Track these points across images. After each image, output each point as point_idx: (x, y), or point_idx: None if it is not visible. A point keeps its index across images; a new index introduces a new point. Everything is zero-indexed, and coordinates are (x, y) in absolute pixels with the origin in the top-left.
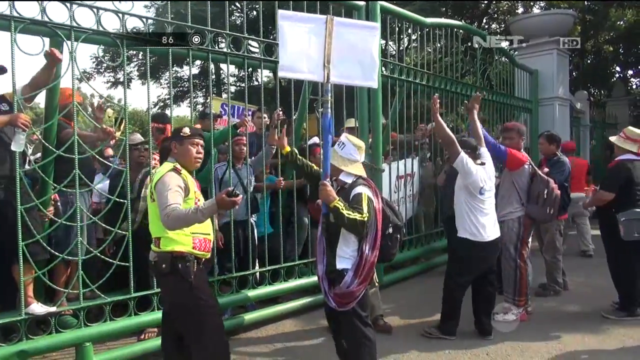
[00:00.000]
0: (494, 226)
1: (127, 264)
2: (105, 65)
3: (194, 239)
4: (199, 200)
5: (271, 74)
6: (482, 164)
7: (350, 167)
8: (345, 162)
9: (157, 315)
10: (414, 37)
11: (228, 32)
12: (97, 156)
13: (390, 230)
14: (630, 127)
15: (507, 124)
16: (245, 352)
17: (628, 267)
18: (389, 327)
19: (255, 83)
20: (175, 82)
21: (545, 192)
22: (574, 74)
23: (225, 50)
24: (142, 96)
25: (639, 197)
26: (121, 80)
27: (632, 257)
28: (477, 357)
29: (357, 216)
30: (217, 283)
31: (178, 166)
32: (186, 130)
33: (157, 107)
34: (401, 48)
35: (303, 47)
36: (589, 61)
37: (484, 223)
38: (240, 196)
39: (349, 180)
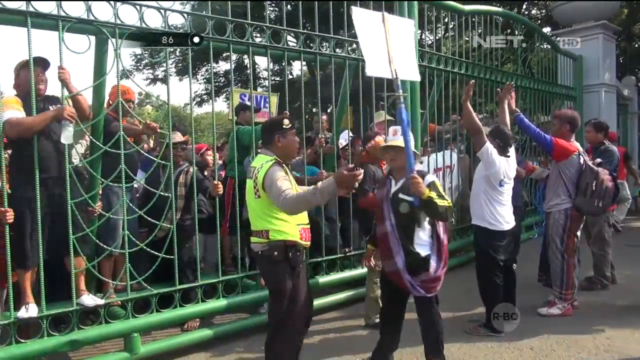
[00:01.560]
0: (511, 216)
1: (172, 256)
2: (144, 62)
3: (300, 230)
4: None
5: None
6: (507, 156)
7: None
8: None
9: (201, 307)
10: (450, 25)
11: (268, 24)
12: (141, 151)
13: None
14: None
15: (557, 112)
16: None
17: None
18: None
19: (290, 77)
20: (210, 78)
21: (594, 183)
22: (621, 59)
23: (265, 43)
24: (178, 92)
25: None
26: (159, 77)
27: None
28: (521, 352)
29: (446, 203)
30: (259, 276)
31: (278, 159)
32: (287, 122)
33: (195, 102)
34: (438, 37)
35: (376, 45)
36: (637, 45)
37: (502, 213)
38: (362, 170)
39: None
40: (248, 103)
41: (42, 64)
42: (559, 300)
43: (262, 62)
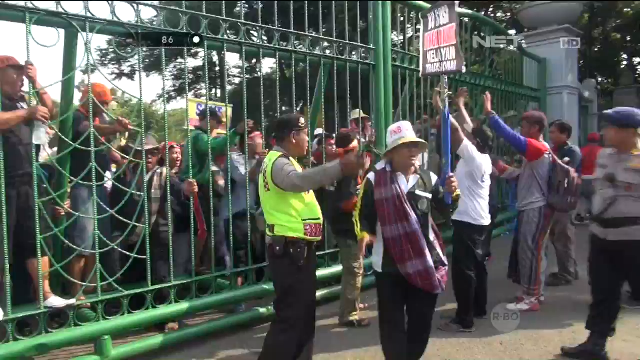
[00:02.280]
0: (488, 212)
1: (144, 257)
2: (109, 57)
3: (305, 225)
4: (308, 191)
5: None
6: (485, 154)
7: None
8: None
9: (175, 308)
10: (418, 26)
11: (243, 21)
12: (112, 149)
13: None
14: None
15: (525, 113)
16: (260, 341)
17: None
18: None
19: (257, 75)
20: (179, 75)
21: (566, 181)
22: (581, 62)
23: (240, 40)
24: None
25: None
26: (125, 72)
27: None
28: (491, 346)
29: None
30: (233, 276)
31: (285, 153)
32: (302, 120)
33: (161, 99)
34: (409, 36)
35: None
36: (596, 49)
37: (484, 208)
38: (368, 159)
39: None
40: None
41: (20, 68)
42: (526, 296)
43: (230, 59)
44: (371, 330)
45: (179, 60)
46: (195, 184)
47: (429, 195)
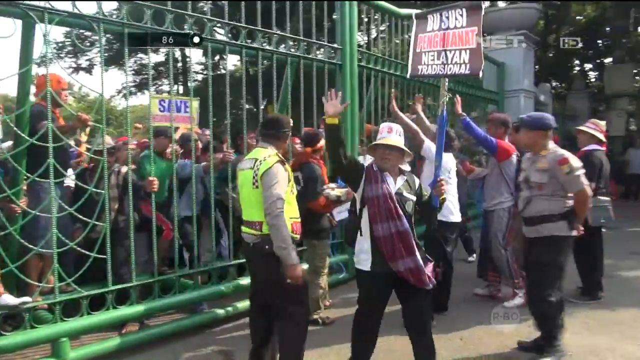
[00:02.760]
0: (458, 210)
1: (104, 256)
2: (66, 50)
3: (291, 224)
4: (292, 192)
5: (238, 63)
6: (448, 152)
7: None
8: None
9: (136, 308)
10: (382, 27)
11: (209, 17)
12: (73, 145)
13: None
14: (596, 119)
15: (490, 115)
16: (223, 341)
17: (590, 254)
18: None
19: (223, 71)
20: (139, 70)
21: None
22: (537, 67)
23: (206, 36)
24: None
25: (602, 186)
26: (83, 66)
27: (594, 245)
28: (452, 342)
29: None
30: (197, 276)
31: (282, 158)
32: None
33: (121, 94)
34: (373, 37)
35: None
36: (551, 55)
37: (455, 204)
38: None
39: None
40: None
41: None
42: (518, 290)
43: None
44: (335, 328)
45: (140, 55)
46: (156, 182)
47: (414, 198)
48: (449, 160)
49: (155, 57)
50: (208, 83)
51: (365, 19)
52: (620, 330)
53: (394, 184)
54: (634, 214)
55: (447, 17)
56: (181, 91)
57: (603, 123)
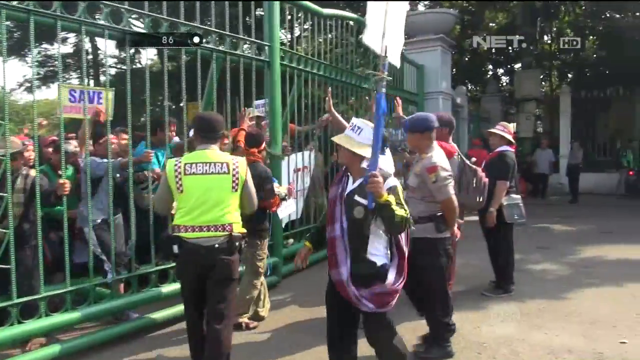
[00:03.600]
0: None
1: (7, 266)
2: None
3: None
4: None
5: (156, 57)
6: (382, 153)
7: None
8: (366, 149)
9: (46, 322)
10: (305, 26)
11: (106, 2)
12: None
13: None
14: (504, 122)
15: (437, 113)
16: (156, 346)
17: (503, 249)
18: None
19: (139, 66)
20: (44, 61)
21: (474, 180)
22: (453, 70)
23: (103, 22)
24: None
25: (513, 185)
26: None
27: (506, 240)
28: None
29: (404, 212)
30: (135, 279)
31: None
32: None
33: (23, 88)
34: (296, 35)
35: (377, 16)
36: (466, 59)
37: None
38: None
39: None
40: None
41: None
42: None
43: (104, 46)
44: (299, 327)
45: (44, 45)
46: (67, 184)
47: (366, 202)
48: (384, 162)
49: (61, 49)
50: (122, 77)
51: (289, 17)
52: (529, 320)
53: (351, 185)
54: (540, 211)
55: None
56: (92, 84)
57: (512, 125)
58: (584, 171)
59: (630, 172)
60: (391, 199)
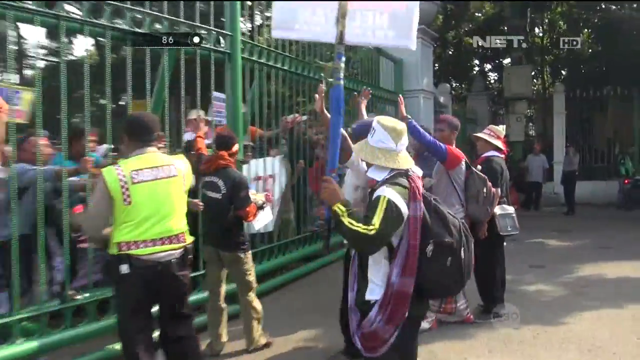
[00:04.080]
0: None
1: None
2: None
3: None
4: None
5: (93, 47)
6: None
7: (383, 159)
8: (376, 153)
9: None
10: (267, 14)
11: None
12: None
13: (430, 248)
14: (493, 126)
15: (440, 116)
16: None
17: (491, 265)
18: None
19: (72, 57)
20: None
21: (484, 190)
22: (436, 65)
23: (33, 7)
24: None
25: (505, 194)
26: None
27: (496, 255)
28: None
29: (359, 227)
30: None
31: None
32: None
33: None
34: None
35: None
36: (450, 52)
37: None
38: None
39: (380, 176)
40: None
41: None
42: (431, 314)
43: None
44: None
45: None
46: None
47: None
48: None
49: None
50: (53, 71)
51: (249, 3)
52: (522, 349)
53: None
54: (533, 224)
55: None
56: (13, 79)
57: (500, 128)
58: (580, 179)
59: (626, 181)
60: (340, 208)
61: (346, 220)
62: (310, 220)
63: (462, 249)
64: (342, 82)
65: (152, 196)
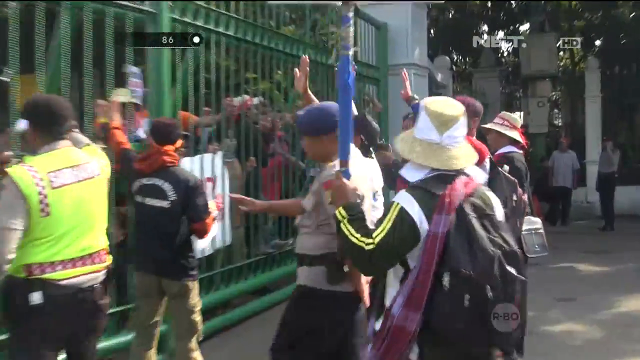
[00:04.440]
0: None
1: None
2: None
3: None
4: None
5: None
6: (371, 157)
7: (420, 154)
8: (414, 146)
9: None
10: None
11: None
12: None
13: (447, 279)
14: (507, 113)
15: (457, 97)
16: None
17: None
18: None
19: None
20: None
21: (514, 197)
22: (431, 31)
23: None
24: None
25: (528, 202)
26: None
27: None
28: None
29: (356, 239)
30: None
31: None
32: None
33: None
34: None
35: None
36: (450, 16)
37: None
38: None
39: (415, 177)
40: None
41: None
42: None
43: None
44: None
45: None
46: None
47: None
48: (372, 173)
49: None
50: None
51: None
52: None
53: None
54: (560, 242)
55: None
56: None
57: (516, 116)
58: (621, 183)
59: None
60: (342, 213)
61: (345, 227)
62: (263, 238)
63: (493, 287)
64: (350, 52)
65: (75, 204)
